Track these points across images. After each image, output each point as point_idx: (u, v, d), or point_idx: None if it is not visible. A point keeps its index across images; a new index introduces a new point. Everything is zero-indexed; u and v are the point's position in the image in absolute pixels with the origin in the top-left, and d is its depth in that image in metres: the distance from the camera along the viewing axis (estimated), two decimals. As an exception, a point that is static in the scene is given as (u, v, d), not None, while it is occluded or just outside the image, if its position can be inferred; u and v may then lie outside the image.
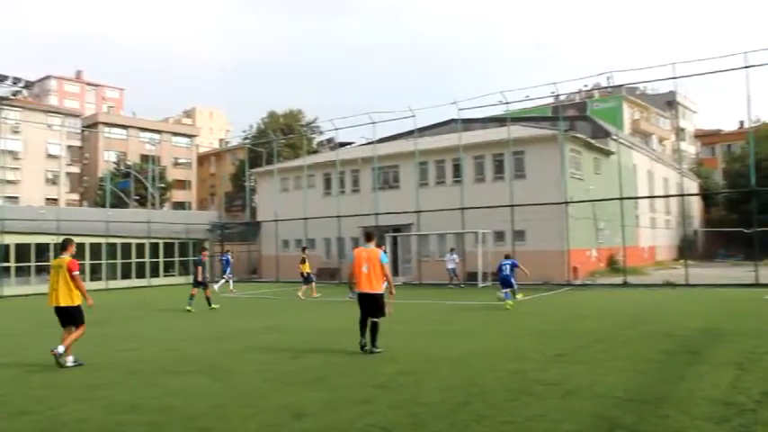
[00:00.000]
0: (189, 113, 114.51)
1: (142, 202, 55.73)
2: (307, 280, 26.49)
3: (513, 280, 19.95)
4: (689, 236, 48.08)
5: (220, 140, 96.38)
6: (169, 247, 40.25)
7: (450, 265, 29.54)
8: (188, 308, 20.81)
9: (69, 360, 10.39)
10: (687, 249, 36.67)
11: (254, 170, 47.83)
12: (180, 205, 71.94)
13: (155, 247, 39.28)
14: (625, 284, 27.95)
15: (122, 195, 53.97)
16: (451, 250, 30.82)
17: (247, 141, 61.38)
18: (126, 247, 37.83)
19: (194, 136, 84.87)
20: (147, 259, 38.52)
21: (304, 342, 13.03)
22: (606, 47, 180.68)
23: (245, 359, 11.04)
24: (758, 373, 8.67)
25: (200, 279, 21.56)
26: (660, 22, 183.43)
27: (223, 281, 31.13)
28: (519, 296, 20.87)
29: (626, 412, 6.82)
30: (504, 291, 19.72)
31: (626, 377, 8.63)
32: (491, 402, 7.35)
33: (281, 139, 57.98)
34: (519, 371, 9.27)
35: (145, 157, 67.85)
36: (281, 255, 40.59)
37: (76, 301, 10.53)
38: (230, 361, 10.82)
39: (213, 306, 21.31)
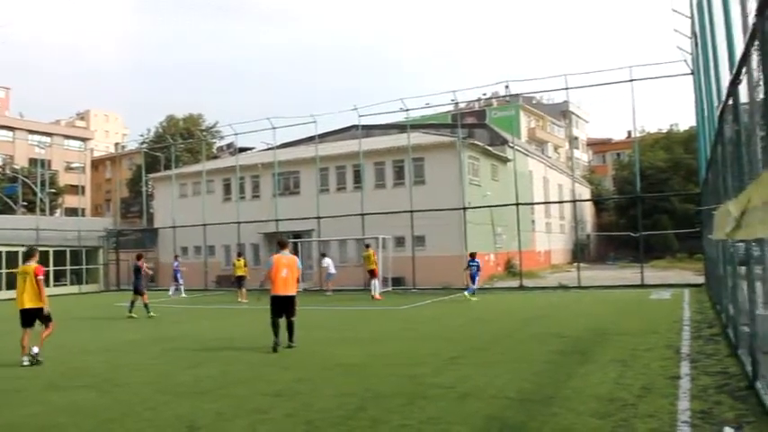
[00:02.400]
0: (83, 116, 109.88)
1: (31, 209, 53.07)
2: (239, 283, 26.96)
3: (477, 278, 23.59)
4: (582, 240, 50.01)
5: (116, 144, 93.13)
6: (60, 256, 38.44)
7: (333, 270, 29.46)
8: (140, 315, 20.57)
9: (35, 350, 11.47)
10: (580, 253, 38.08)
11: (151, 175, 46.58)
12: (73, 212, 68.85)
13: (44, 255, 37.36)
14: (521, 288, 28.78)
15: (8, 201, 51.36)
16: (323, 255, 30.86)
17: (145, 146, 59.69)
18: (12, 255, 35.73)
19: (88, 139, 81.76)
20: (35, 268, 36.61)
21: (200, 351, 12.76)
22: (505, 57, 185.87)
23: (137, 371, 10.68)
24: (639, 370, 9.12)
25: (141, 286, 21.39)
26: (555, 34, 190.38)
27: (174, 288, 31.06)
28: (474, 298, 23.30)
29: (517, 412, 7.04)
30: (472, 287, 23.34)
31: (518, 378, 8.89)
32: (386, 407, 7.41)
33: (179, 143, 56.70)
34: (415, 375, 9.37)
35: (34, 161, 64.69)
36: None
37: (42, 303, 11.65)
38: (121, 374, 10.46)
39: (132, 315, 20.71)
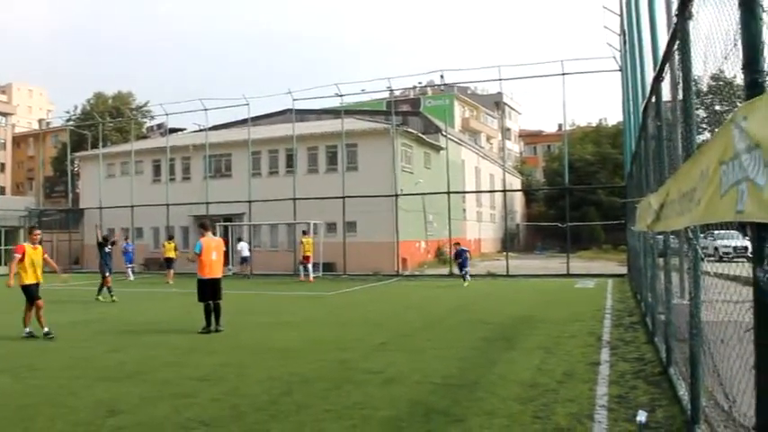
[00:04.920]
0: (4, 89, 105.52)
1: (-54, 185, 50.88)
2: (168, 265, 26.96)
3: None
4: (511, 229, 50.90)
5: (40, 120, 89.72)
6: (-23, 236, 37.00)
7: (246, 253, 29.50)
8: (107, 299, 19.59)
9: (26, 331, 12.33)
10: (509, 242, 38.75)
11: (77, 154, 45.24)
12: (-8, 190, 66.40)
13: (-41, 234, 35.96)
14: (451, 275, 29.04)
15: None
16: (239, 240, 30.85)
17: (71, 123, 57.76)
18: None
19: (10, 114, 78.69)
20: (-51, 248, 35.20)
21: (123, 334, 12.53)
22: (441, 46, 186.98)
23: (56, 355, 10.38)
24: (561, 356, 9.38)
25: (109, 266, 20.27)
26: (490, 25, 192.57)
27: (131, 270, 30.07)
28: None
29: (442, 397, 7.15)
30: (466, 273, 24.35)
31: (445, 364, 9.02)
32: (312, 392, 7.43)
33: (108, 121, 55.17)
34: (342, 360, 9.42)
35: (-50, 136, 62.00)
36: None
37: (25, 280, 12.20)
38: (39, 358, 10.10)
39: (99, 298, 19.86)
